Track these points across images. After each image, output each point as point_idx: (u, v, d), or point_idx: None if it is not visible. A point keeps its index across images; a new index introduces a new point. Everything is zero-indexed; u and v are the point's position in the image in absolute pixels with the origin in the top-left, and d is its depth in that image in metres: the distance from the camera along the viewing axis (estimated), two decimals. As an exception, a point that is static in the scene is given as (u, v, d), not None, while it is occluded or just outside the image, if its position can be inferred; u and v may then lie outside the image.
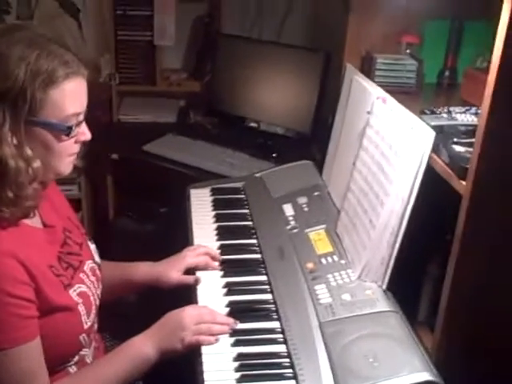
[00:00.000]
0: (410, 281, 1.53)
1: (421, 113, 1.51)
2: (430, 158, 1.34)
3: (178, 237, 1.90)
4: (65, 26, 2.76)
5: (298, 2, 2.78)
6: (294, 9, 2.79)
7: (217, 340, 1.35)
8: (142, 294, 2.16)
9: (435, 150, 1.34)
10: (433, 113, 1.51)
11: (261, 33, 2.81)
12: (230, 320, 1.40)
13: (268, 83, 2.53)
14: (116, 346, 1.40)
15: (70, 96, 1.19)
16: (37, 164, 1.18)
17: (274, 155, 2.46)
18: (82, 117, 1.25)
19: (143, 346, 1.35)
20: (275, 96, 2.52)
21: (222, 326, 1.38)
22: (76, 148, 1.27)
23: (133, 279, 1.61)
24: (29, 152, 1.16)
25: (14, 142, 1.15)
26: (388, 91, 1.59)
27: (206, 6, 2.85)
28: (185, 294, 1.57)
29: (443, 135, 1.35)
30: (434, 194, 1.38)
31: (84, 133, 1.27)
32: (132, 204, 2.89)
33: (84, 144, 1.30)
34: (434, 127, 1.36)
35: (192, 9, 2.85)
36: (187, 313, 1.39)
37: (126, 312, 2.39)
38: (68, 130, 1.20)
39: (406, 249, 1.40)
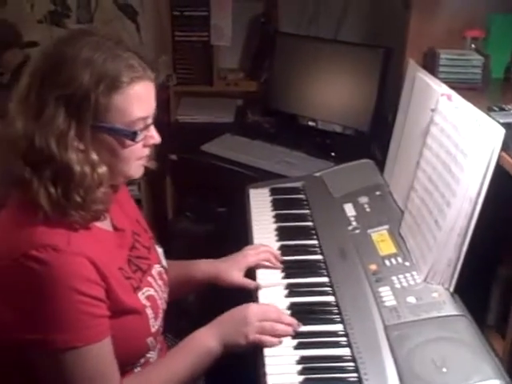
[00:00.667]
0: (478, 283, 1.48)
1: (489, 109, 1.45)
2: (499, 155, 1.29)
3: (237, 237, 1.89)
4: (123, 29, 2.81)
5: (355, -1, 2.75)
6: (351, 6, 2.75)
7: (280, 342, 1.34)
8: (201, 294, 2.18)
9: (505, 147, 1.29)
10: (501, 109, 1.46)
11: (318, 31, 2.77)
12: (295, 321, 1.38)
13: (326, 81, 2.50)
14: (178, 346, 1.41)
15: (136, 100, 1.18)
16: (102, 169, 1.18)
17: (332, 154, 2.44)
18: (149, 120, 1.23)
19: (206, 340, 1.35)
20: (333, 94, 2.50)
21: (286, 327, 1.36)
22: (145, 152, 1.26)
23: (195, 276, 1.61)
24: (94, 157, 1.17)
25: (81, 147, 1.15)
26: (452, 88, 1.55)
27: (263, 4, 2.84)
28: (246, 294, 1.56)
29: (514, 132, 1.31)
30: (503, 193, 1.33)
31: (153, 136, 1.25)
32: (190, 204, 2.91)
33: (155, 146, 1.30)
34: (504, 124, 1.31)
35: (248, 8, 2.84)
36: (252, 309, 1.39)
37: (186, 311, 2.41)
38: (133, 135, 1.19)
39: (473, 250, 1.35)
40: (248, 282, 1.58)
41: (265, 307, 1.42)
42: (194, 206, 2.90)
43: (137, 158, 1.24)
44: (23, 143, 1.14)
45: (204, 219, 2.84)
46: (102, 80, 1.13)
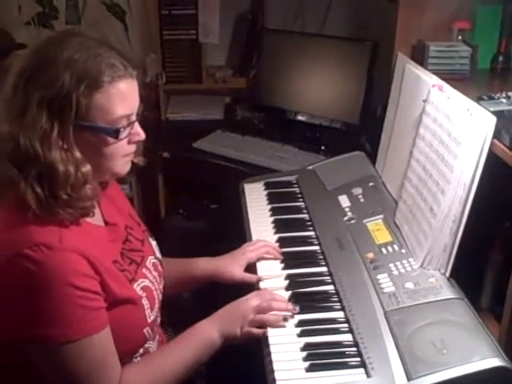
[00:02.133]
0: (472, 268, 1.52)
1: (478, 99, 1.49)
2: (491, 143, 1.33)
3: (230, 233, 1.91)
4: (111, 29, 2.81)
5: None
6: (335, 0, 2.78)
7: (265, 333, 1.37)
8: (196, 290, 2.20)
9: (496, 135, 1.33)
10: (491, 98, 1.50)
11: (303, 26, 2.81)
12: (290, 307, 1.42)
13: (314, 76, 2.53)
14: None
15: (117, 98, 1.18)
16: (86, 168, 1.18)
17: (322, 147, 2.48)
18: (133, 117, 1.24)
19: (208, 331, 1.39)
20: (322, 88, 2.53)
21: (278, 320, 1.40)
22: (131, 148, 1.27)
23: (194, 274, 1.64)
24: (78, 156, 1.17)
25: (64, 146, 1.16)
26: (441, 79, 1.58)
27: (249, 1, 2.86)
28: (241, 288, 1.59)
29: (504, 120, 1.35)
30: (494, 180, 1.37)
31: (138, 133, 1.27)
32: (183, 202, 2.93)
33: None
34: (494, 112, 1.35)
35: (234, 5, 2.86)
36: (249, 302, 1.43)
37: (181, 308, 2.43)
38: (116, 133, 1.20)
39: (467, 235, 1.39)
40: (249, 276, 1.61)
41: (260, 298, 1.44)
42: (187, 204, 2.92)
43: (122, 155, 1.26)
44: (9, 144, 1.15)
45: (197, 216, 2.86)
46: (82, 80, 1.14)
